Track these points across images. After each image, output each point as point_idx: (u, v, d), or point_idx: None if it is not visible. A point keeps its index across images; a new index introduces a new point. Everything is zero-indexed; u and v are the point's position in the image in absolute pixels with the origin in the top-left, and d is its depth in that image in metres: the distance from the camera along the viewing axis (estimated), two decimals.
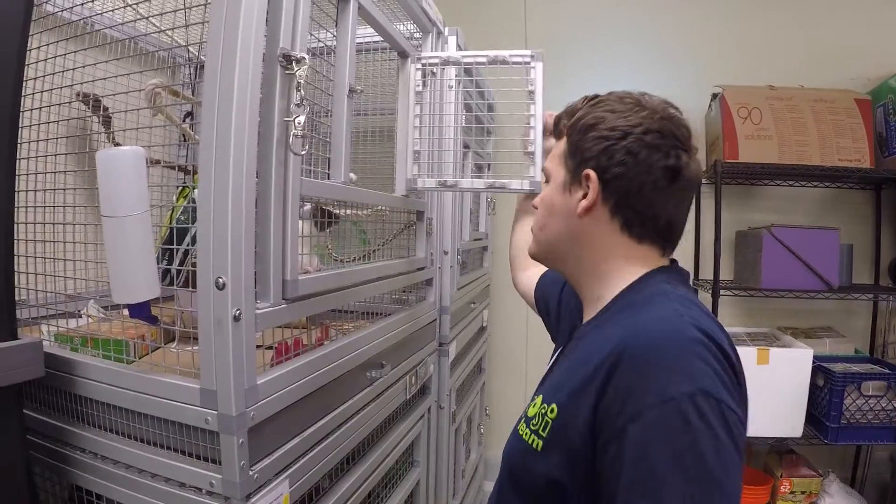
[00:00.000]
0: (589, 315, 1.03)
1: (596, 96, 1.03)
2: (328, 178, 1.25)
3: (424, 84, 1.60)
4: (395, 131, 1.75)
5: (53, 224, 1.30)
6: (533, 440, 0.90)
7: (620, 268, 0.98)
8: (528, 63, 1.52)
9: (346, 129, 1.24)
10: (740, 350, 2.42)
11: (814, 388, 2.77)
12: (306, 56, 1.01)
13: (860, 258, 3.21)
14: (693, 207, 3.30)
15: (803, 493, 2.90)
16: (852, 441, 2.79)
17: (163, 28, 1.10)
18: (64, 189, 1.30)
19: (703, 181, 3.27)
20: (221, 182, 0.89)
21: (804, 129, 2.87)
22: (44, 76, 1.30)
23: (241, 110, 0.90)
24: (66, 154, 1.32)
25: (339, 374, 1.27)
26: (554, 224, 1.03)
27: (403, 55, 1.62)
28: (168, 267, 1.11)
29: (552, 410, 0.88)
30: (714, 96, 3.11)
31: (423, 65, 1.60)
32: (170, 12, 1.10)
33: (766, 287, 2.86)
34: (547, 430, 0.87)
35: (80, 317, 1.43)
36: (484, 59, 1.55)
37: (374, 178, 2.06)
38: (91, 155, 1.05)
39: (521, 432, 0.94)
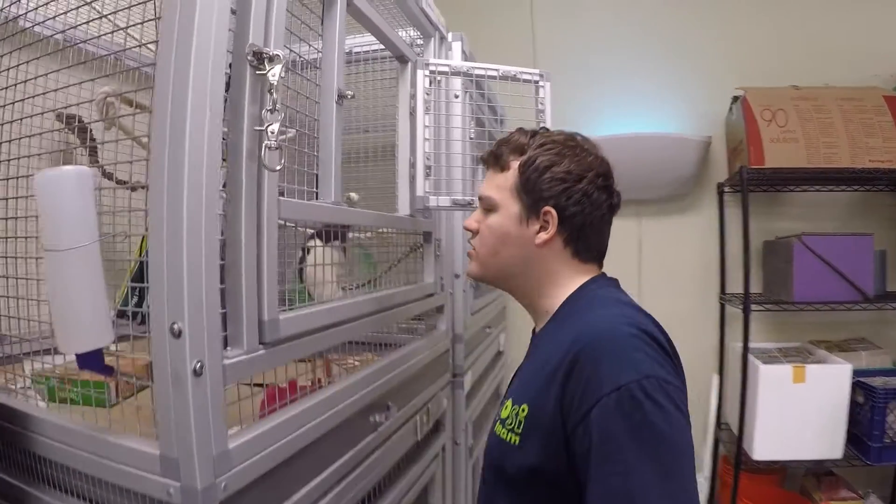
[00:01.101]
0: (540, 325, 1.15)
1: (535, 133, 1.15)
2: (315, 199, 1.09)
3: (427, 94, 1.45)
4: (395, 146, 1.59)
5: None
6: (510, 437, 1.00)
7: (566, 283, 1.12)
8: (538, 82, 1.50)
9: (336, 140, 1.08)
10: (773, 368, 2.24)
11: (853, 406, 2.60)
12: (281, 53, 0.85)
13: (893, 264, 3.04)
14: (716, 217, 3.25)
15: None
16: None
17: (118, 27, 0.95)
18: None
19: (727, 189, 3.13)
20: (174, 204, 0.73)
21: (832, 130, 2.69)
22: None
23: (197, 117, 0.74)
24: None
25: (336, 423, 1.10)
26: (508, 251, 1.13)
27: (403, 60, 1.47)
28: (135, 310, 0.93)
29: (523, 410, 1.00)
30: (735, 99, 2.95)
31: (431, 72, 1.45)
32: (124, 9, 0.94)
33: (798, 300, 2.69)
34: (521, 427, 0.99)
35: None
36: (495, 74, 1.49)
37: (373, 197, 1.90)
38: None
39: (498, 432, 1.05)
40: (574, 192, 1.08)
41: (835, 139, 2.68)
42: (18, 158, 1.15)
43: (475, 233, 1.17)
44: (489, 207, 1.14)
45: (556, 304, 1.11)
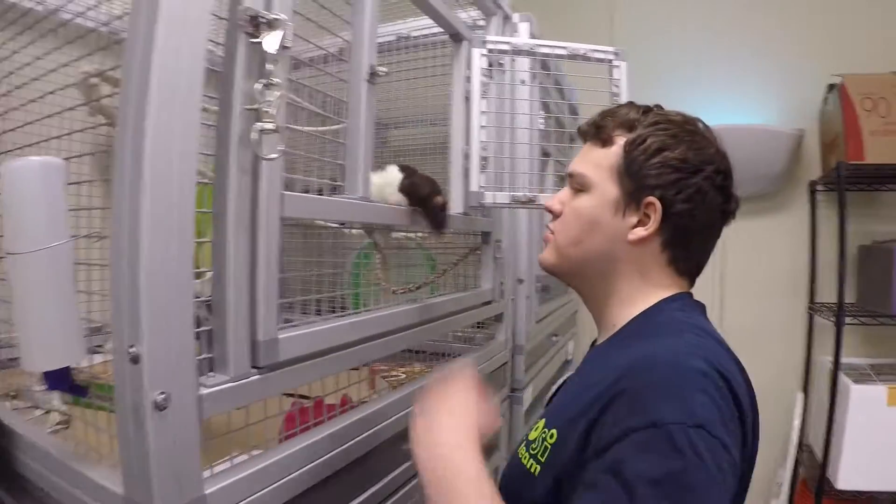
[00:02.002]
0: (602, 337, 1.00)
1: (648, 109, 0.98)
2: (342, 192, 0.94)
3: (490, 77, 1.29)
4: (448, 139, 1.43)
5: None
6: (531, 465, 0.87)
7: (646, 295, 0.95)
8: (611, 61, 1.31)
9: (366, 125, 0.92)
10: (865, 388, 2.01)
11: None
12: (284, 17, 0.70)
13: None
14: (808, 218, 2.94)
15: None
16: None
17: None
18: None
19: (821, 188, 2.87)
20: (134, 199, 0.59)
21: None
22: None
23: (165, 93, 0.59)
24: None
25: (362, 452, 0.95)
26: (594, 242, 0.96)
27: (457, 39, 1.31)
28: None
29: (552, 436, 0.85)
30: (831, 87, 2.68)
31: (490, 51, 1.28)
32: None
33: None
34: (546, 455, 0.85)
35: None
36: (563, 52, 1.30)
37: None
38: None
39: (520, 455, 0.92)
40: (687, 185, 0.90)
41: None
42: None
43: (557, 215, 1.01)
44: (580, 187, 0.97)
45: (627, 317, 0.95)
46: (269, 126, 0.68)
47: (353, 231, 1.03)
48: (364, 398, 1.09)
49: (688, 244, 0.94)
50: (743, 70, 2.98)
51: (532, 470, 0.86)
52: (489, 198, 1.30)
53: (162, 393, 0.60)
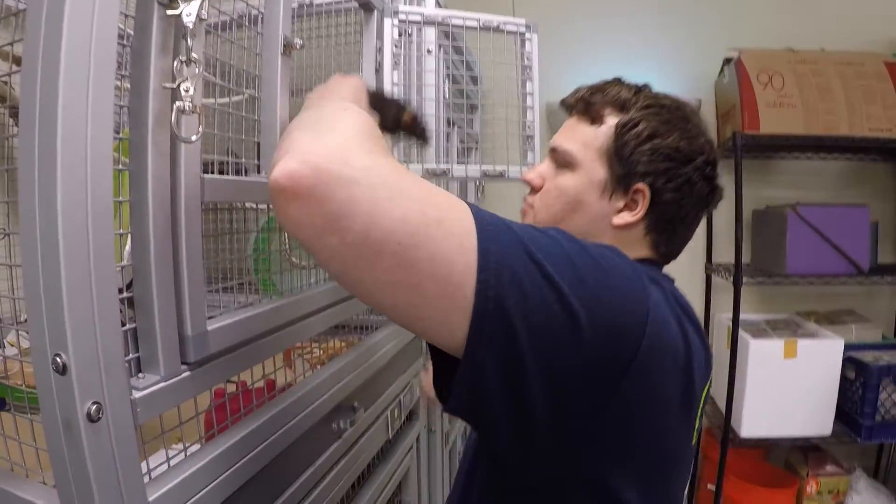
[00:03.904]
0: None
1: (639, 89, 0.95)
2: (258, 172, 0.89)
3: (397, 47, 1.26)
4: None
5: None
6: None
7: None
8: (523, 34, 1.31)
9: (282, 100, 0.88)
10: (764, 343, 2.14)
11: (843, 382, 2.50)
12: None
13: (884, 235, 2.92)
14: None
15: (830, 492, 2.68)
16: (888, 439, 2.57)
17: None
18: None
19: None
20: (47, 191, 0.53)
21: (831, 96, 2.52)
22: None
23: (75, 73, 0.54)
24: None
25: (291, 440, 0.92)
26: (576, 222, 0.93)
27: (368, 8, 1.27)
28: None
29: None
30: (727, 61, 2.76)
31: (401, 21, 1.25)
32: None
33: (791, 272, 2.54)
34: None
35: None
36: (475, 24, 1.29)
37: None
38: None
39: None
40: (677, 175, 0.89)
41: (834, 105, 2.52)
42: None
43: (536, 189, 0.99)
44: (565, 164, 0.95)
45: None
46: (189, 106, 0.63)
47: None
48: (290, 381, 1.06)
49: (671, 231, 0.93)
50: (641, 42, 3.02)
51: None
52: None
53: (94, 403, 0.55)
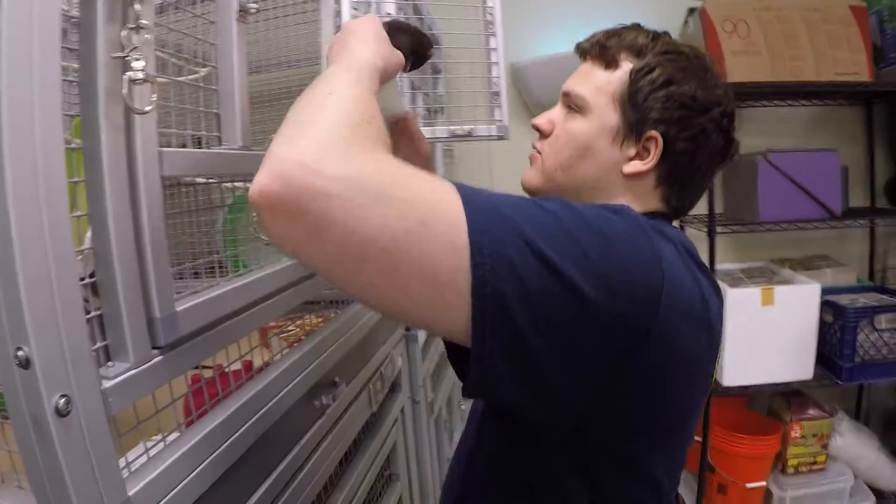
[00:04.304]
0: None
1: (657, 35, 0.92)
2: (219, 144, 0.85)
3: (356, 9, 1.21)
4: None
5: None
6: None
7: None
8: None
9: (239, 68, 0.84)
10: (740, 291, 2.14)
11: (821, 326, 2.52)
12: None
13: (854, 180, 2.95)
14: None
15: (815, 435, 2.69)
16: (867, 379, 2.57)
17: None
18: None
19: None
20: None
21: (797, 42, 2.52)
22: None
23: (20, 47, 0.50)
24: None
25: (274, 420, 0.90)
26: (586, 169, 0.91)
27: None
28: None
29: None
30: (691, 11, 2.72)
31: None
32: None
33: (764, 220, 2.55)
34: None
35: None
36: None
37: None
38: None
39: None
40: (691, 124, 0.86)
41: (800, 51, 2.51)
42: None
43: (545, 134, 0.96)
44: (576, 108, 0.92)
45: None
46: (140, 75, 0.59)
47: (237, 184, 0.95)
48: (267, 360, 1.03)
49: (683, 184, 0.91)
50: None
51: None
52: None
53: (62, 396, 0.52)
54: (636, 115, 0.87)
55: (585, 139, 0.90)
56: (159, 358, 0.66)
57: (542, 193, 0.95)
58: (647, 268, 0.66)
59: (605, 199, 0.90)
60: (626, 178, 0.89)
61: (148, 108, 0.61)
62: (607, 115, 0.89)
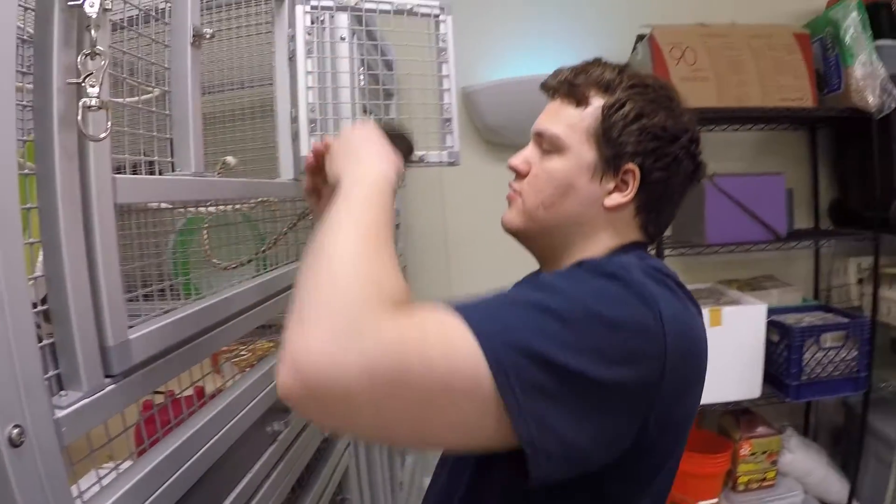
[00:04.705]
0: None
1: (622, 69, 0.96)
2: (172, 170, 0.85)
3: (309, 33, 1.22)
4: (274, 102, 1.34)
5: None
6: None
7: (607, 248, 0.94)
8: (437, 16, 1.27)
9: (193, 93, 0.84)
10: None
11: (769, 345, 2.58)
12: None
13: (799, 202, 3.04)
14: None
15: (764, 452, 2.73)
16: (814, 397, 2.63)
17: None
18: None
19: None
20: None
21: (743, 69, 2.60)
22: None
23: None
24: None
25: (226, 447, 0.89)
26: (568, 206, 0.93)
27: None
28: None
29: None
30: (640, 38, 2.79)
31: (313, 7, 1.21)
32: None
33: (712, 242, 2.61)
34: None
35: None
36: (388, 7, 1.25)
37: (257, 160, 1.62)
38: None
39: None
40: (664, 154, 0.90)
41: (745, 77, 2.59)
42: None
43: (522, 175, 0.98)
44: (552, 148, 0.94)
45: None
46: (95, 102, 0.59)
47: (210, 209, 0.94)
48: (219, 386, 1.02)
49: (660, 210, 0.94)
50: (554, 21, 3.03)
51: None
52: None
53: (15, 426, 0.51)
54: (612, 150, 0.90)
55: (565, 177, 0.92)
56: (112, 386, 0.65)
57: (525, 232, 0.98)
58: (651, 333, 0.71)
59: (587, 232, 0.93)
60: (608, 210, 0.92)
61: (102, 136, 0.60)
62: (584, 153, 0.92)
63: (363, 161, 0.82)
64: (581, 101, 0.93)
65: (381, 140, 0.87)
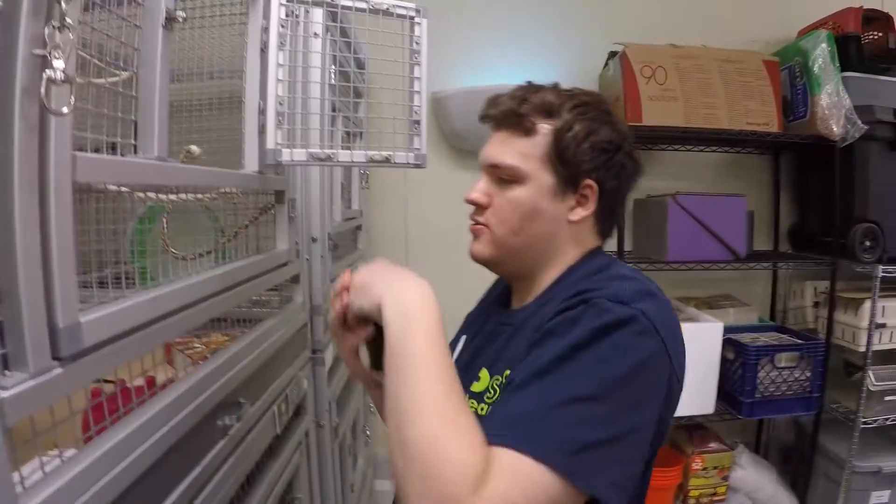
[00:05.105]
0: (524, 299, 1.06)
1: (559, 91, 1.02)
2: (135, 152, 0.83)
3: (283, 26, 1.21)
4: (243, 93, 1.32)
5: None
6: (482, 408, 0.95)
7: (572, 258, 1.03)
8: (413, 18, 1.29)
9: (161, 75, 0.82)
10: None
11: (724, 362, 2.64)
12: None
13: (759, 224, 3.13)
14: None
15: (715, 467, 2.82)
16: (766, 414, 2.75)
17: None
18: None
19: None
20: None
21: (712, 91, 2.67)
22: None
23: None
24: None
25: (175, 439, 0.86)
26: (537, 229, 1.00)
27: None
28: None
29: (507, 376, 0.91)
30: (612, 55, 2.84)
31: (289, 0, 1.20)
32: None
33: (672, 259, 2.66)
34: (496, 395, 0.94)
35: None
36: (364, 6, 1.25)
37: (220, 151, 1.59)
38: None
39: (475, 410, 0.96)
40: (614, 163, 1.00)
41: (714, 100, 2.66)
42: None
43: (484, 207, 1.03)
44: (511, 178, 1.00)
45: (553, 276, 1.03)
46: (60, 76, 0.57)
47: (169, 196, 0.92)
48: (171, 377, 1.00)
49: (613, 214, 1.05)
50: (528, 36, 3.07)
51: (482, 412, 0.94)
52: (286, 155, 1.23)
53: None
54: (569, 170, 0.98)
55: (530, 203, 0.99)
56: (59, 370, 0.63)
57: (496, 259, 1.05)
58: (659, 354, 0.82)
59: (555, 247, 1.02)
60: (572, 224, 1.01)
61: (65, 111, 0.58)
62: (543, 178, 0.98)
63: (400, 286, 0.85)
64: (529, 131, 0.99)
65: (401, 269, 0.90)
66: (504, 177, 1.01)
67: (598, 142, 0.98)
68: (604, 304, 0.82)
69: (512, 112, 1.00)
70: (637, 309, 0.82)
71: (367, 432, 2.75)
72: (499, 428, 0.74)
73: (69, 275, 0.64)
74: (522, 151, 0.99)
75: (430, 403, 0.72)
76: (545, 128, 0.99)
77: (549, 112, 0.99)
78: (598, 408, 0.74)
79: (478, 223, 1.05)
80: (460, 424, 0.71)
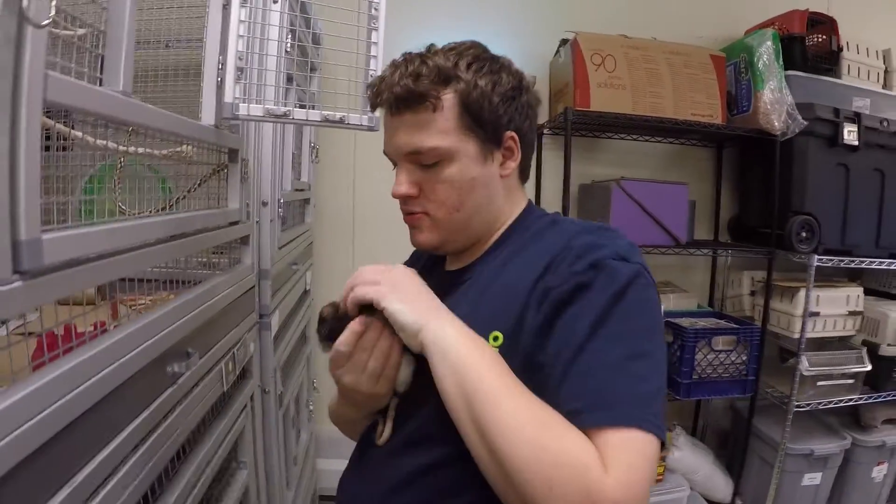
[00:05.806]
0: (468, 259, 1.06)
1: (445, 52, 0.98)
2: (99, 85, 0.83)
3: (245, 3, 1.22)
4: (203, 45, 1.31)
5: None
6: None
7: (510, 209, 1.05)
8: None
9: (130, 11, 0.82)
10: None
11: None
12: None
13: (701, 214, 3.23)
14: (534, 158, 3.16)
15: None
16: (703, 396, 2.81)
17: None
18: None
19: (548, 132, 3.10)
20: None
21: (659, 81, 2.75)
22: None
23: None
24: None
25: (125, 377, 0.86)
26: (477, 197, 0.99)
27: None
28: None
29: (495, 338, 0.88)
30: (563, 42, 2.90)
31: None
32: None
33: None
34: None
35: None
36: None
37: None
38: None
39: None
40: (522, 104, 1.00)
41: (661, 90, 2.74)
42: None
43: (414, 197, 1.00)
44: (436, 158, 0.96)
45: (496, 231, 1.05)
46: None
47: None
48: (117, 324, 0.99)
49: (528, 154, 1.05)
50: (487, 23, 3.12)
51: None
52: (243, 109, 1.24)
53: None
54: (488, 129, 0.97)
55: (466, 177, 0.97)
56: (19, 283, 0.62)
57: (443, 242, 1.04)
58: (659, 303, 0.90)
59: (497, 205, 1.03)
60: (504, 179, 1.02)
61: (45, 22, 0.58)
62: (467, 147, 0.96)
63: (439, 312, 0.89)
64: (436, 106, 0.94)
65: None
66: (427, 161, 0.97)
67: (504, 92, 0.96)
68: (611, 264, 0.84)
69: (410, 92, 0.94)
70: (637, 263, 0.87)
71: (311, 407, 2.75)
72: (581, 411, 0.76)
73: (34, 190, 0.63)
74: (440, 129, 0.95)
75: (521, 416, 0.76)
76: (449, 96, 0.94)
77: (446, 79, 0.94)
78: (645, 362, 0.80)
79: (414, 213, 1.02)
80: (554, 424, 0.75)
